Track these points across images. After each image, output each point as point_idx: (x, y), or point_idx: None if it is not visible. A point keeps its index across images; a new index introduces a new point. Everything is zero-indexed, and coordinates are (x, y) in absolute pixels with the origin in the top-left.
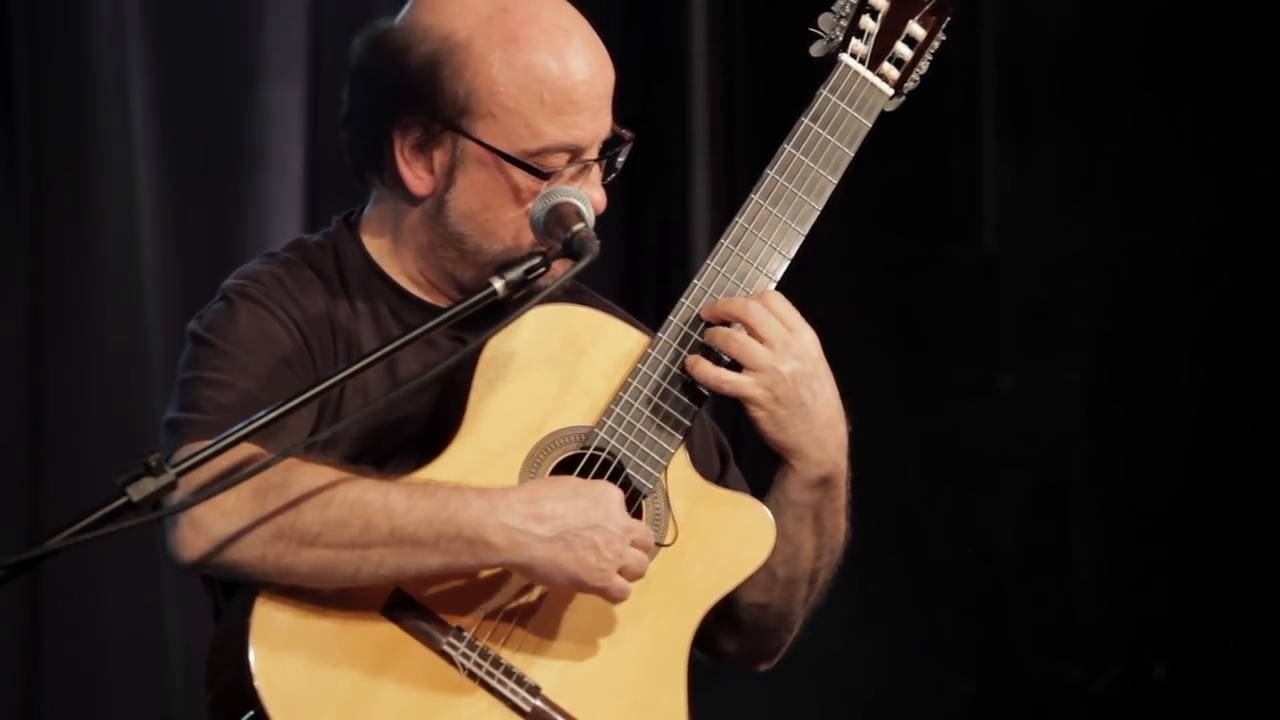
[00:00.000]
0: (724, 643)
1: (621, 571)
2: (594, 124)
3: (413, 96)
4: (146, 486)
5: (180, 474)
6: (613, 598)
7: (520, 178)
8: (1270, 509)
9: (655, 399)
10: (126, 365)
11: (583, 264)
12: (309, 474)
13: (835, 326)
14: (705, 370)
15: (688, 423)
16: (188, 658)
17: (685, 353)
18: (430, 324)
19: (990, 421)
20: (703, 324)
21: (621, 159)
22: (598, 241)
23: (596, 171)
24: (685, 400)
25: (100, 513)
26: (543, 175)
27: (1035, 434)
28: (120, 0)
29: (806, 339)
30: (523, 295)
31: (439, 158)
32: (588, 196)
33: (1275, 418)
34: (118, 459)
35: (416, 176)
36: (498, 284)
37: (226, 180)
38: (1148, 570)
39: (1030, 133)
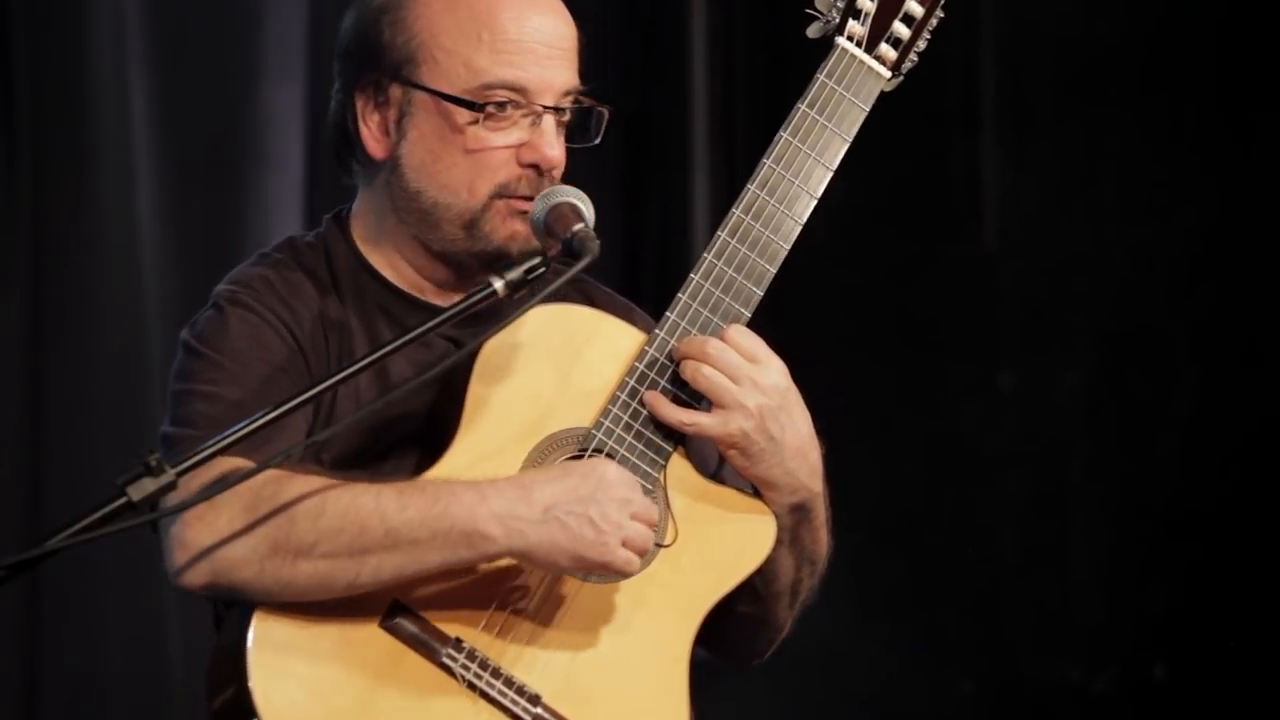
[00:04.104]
0: (712, 643)
1: (625, 544)
2: (540, 70)
3: (366, 54)
4: (146, 487)
5: (180, 474)
6: (619, 571)
7: (464, 119)
8: (1270, 509)
9: None
10: (126, 365)
11: (582, 264)
12: (299, 485)
13: (836, 326)
14: (668, 413)
15: None
16: (188, 658)
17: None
18: (427, 326)
19: (990, 421)
20: (694, 331)
21: (599, 133)
22: (598, 241)
23: (550, 123)
24: (683, 397)
25: (100, 513)
26: (477, 108)
27: (1035, 434)
28: (120, 0)
29: (774, 370)
30: (522, 295)
31: (392, 115)
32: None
33: (1275, 418)
34: (118, 459)
35: (375, 139)
36: (498, 284)
37: (226, 180)
38: (1147, 570)
39: (1030, 131)
